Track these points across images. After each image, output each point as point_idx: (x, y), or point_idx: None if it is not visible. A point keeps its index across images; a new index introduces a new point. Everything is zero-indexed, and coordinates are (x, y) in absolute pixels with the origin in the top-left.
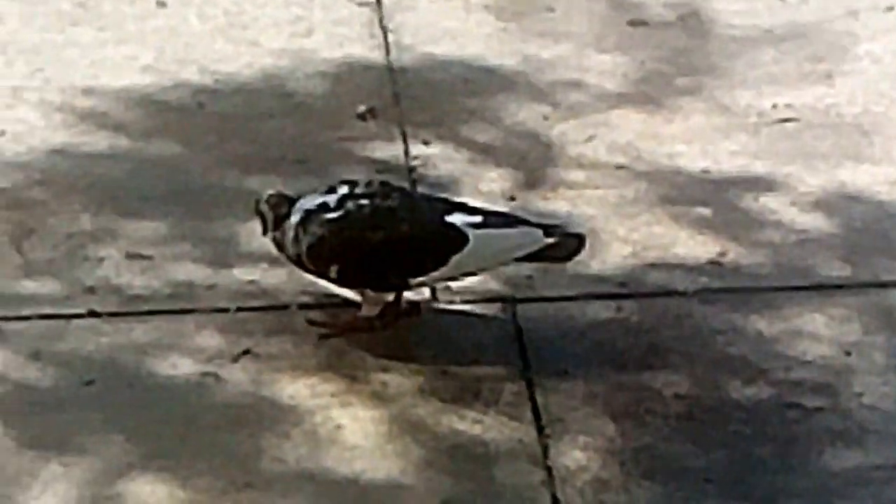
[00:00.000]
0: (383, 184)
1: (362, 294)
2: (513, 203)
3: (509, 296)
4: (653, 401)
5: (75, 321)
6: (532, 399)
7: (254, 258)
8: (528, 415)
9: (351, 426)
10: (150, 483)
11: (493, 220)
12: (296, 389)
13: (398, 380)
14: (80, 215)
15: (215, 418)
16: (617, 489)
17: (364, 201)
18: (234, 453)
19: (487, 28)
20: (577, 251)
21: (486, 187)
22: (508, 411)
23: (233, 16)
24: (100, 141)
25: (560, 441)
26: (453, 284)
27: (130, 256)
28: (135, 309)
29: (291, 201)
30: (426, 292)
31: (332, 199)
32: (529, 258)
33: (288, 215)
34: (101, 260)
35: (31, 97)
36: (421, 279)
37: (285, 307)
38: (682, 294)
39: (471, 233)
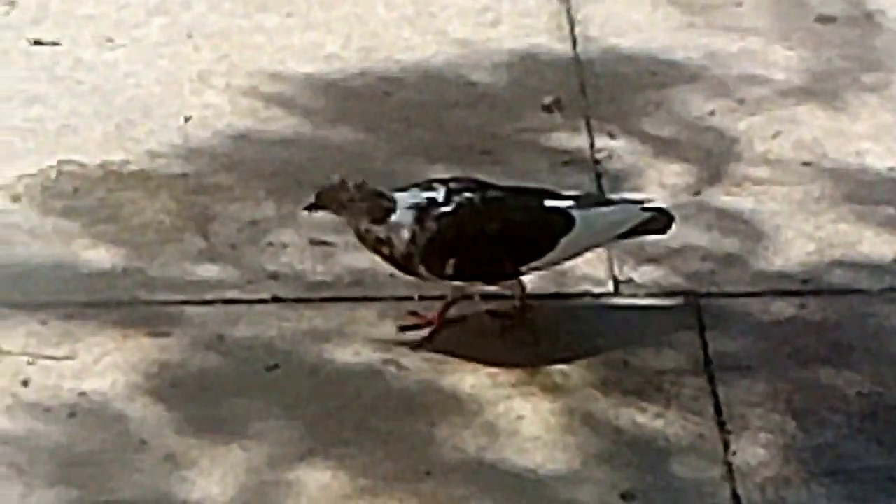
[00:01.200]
0: (471, 179)
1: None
2: (697, 198)
3: (692, 290)
4: (835, 399)
5: (258, 306)
6: (714, 394)
7: None
8: (710, 410)
9: (531, 417)
10: (330, 469)
11: (584, 200)
12: (477, 379)
13: (579, 371)
14: (264, 201)
15: (396, 406)
16: (798, 487)
17: (469, 194)
18: (413, 442)
19: (674, 21)
20: (668, 225)
21: (670, 181)
22: (689, 406)
23: (420, 5)
24: (285, 127)
25: (741, 437)
26: (637, 278)
27: (313, 243)
28: (317, 295)
29: (383, 196)
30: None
31: (438, 195)
32: (628, 234)
33: (388, 211)
34: (285, 246)
35: (218, 82)
36: (533, 265)
37: (468, 297)
38: (867, 292)
39: (576, 214)
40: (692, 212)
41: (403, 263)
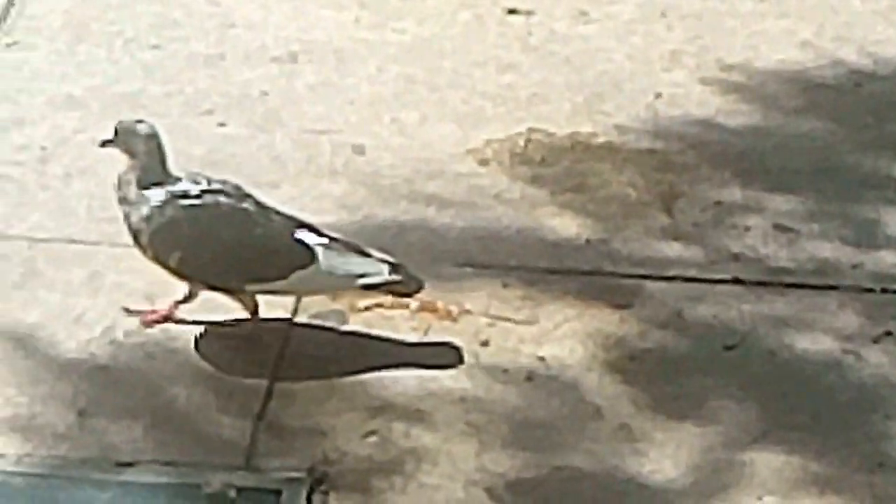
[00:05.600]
0: (237, 187)
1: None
2: None
3: None
4: None
5: (719, 287)
6: None
7: None
8: None
9: None
10: (782, 454)
11: (337, 245)
12: None
13: None
14: (730, 184)
15: (852, 397)
16: None
17: (223, 199)
18: (867, 433)
19: None
20: (417, 291)
21: None
22: None
23: None
24: (752, 111)
25: None
26: None
27: (777, 228)
28: (778, 280)
29: (165, 167)
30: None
31: (193, 188)
32: (372, 287)
33: (155, 183)
34: (747, 229)
35: (689, 62)
36: (258, 287)
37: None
38: None
39: (320, 252)
40: None
41: (134, 237)
